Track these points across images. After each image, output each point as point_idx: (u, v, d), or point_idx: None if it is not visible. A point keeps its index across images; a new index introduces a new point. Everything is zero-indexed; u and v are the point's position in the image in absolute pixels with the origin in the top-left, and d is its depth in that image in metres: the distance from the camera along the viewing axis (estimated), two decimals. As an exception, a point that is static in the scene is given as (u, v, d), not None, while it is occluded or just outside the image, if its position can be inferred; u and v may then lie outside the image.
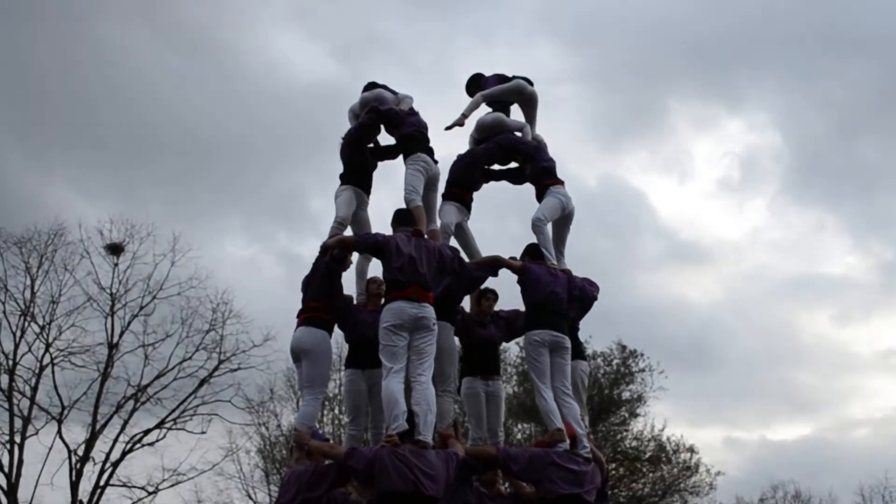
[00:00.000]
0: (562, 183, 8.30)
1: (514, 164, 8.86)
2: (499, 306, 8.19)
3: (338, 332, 7.60)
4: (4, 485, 20.90)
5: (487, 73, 9.12)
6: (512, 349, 23.41)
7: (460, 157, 8.66)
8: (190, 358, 23.39)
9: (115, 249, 23.85)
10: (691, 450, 25.88)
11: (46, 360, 22.43)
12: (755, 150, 58.73)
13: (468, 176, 8.59)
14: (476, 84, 9.01)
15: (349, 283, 7.87)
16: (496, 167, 8.93)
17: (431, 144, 8.17)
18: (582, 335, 8.30)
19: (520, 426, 23.37)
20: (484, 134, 8.70)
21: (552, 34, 62.09)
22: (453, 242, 8.24)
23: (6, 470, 21.06)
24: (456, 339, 8.10)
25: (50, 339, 22.66)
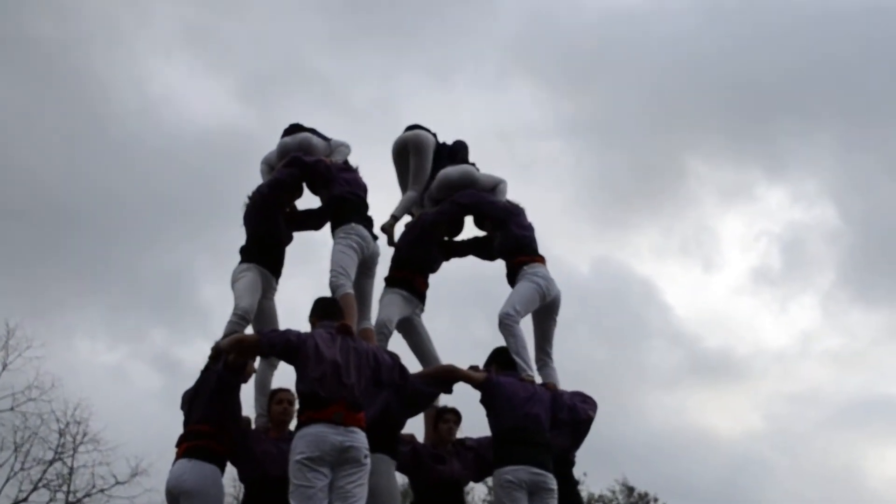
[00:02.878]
0: (541, 261, 8.19)
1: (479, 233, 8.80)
2: (466, 431, 7.94)
3: (232, 469, 7.25)
4: None
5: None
6: (477, 490, 22.97)
7: (409, 227, 8.63)
8: (25, 500, 22.68)
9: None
10: None
11: None
12: (803, 229, 58.72)
13: (420, 252, 8.48)
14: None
15: (246, 400, 7.54)
16: (460, 238, 8.86)
17: (371, 213, 8.11)
18: (576, 471, 8.18)
19: None
20: (444, 194, 8.62)
21: (533, 73, 62.36)
22: (398, 345, 8.08)
23: None
24: (403, 477, 7.92)
25: None
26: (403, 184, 8.91)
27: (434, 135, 8.97)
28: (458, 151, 8.95)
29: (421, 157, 8.77)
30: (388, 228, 8.47)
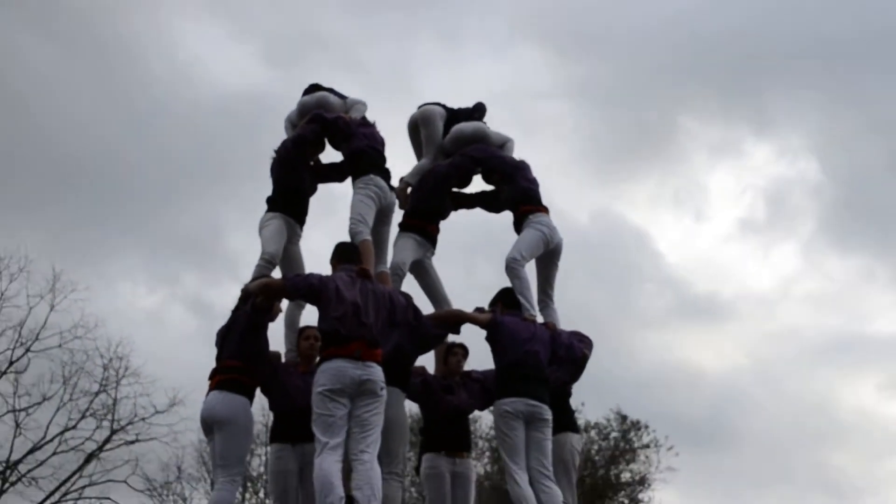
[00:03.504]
0: (545, 211, 8.37)
1: (487, 187, 8.92)
2: (473, 364, 8.19)
3: (261, 399, 7.61)
4: None
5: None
6: (484, 419, 23.42)
7: (423, 178, 8.66)
8: (74, 427, 23.27)
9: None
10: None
11: None
12: (786, 183, 59.39)
13: (432, 201, 8.60)
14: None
15: (276, 336, 7.83)
16: (468, 190, 8.96)
17: (388, 165, 8.17)
18: (574, 402, 8.41)
19: (493, 515, 23.29)
20: (456, 147, 8.71)
21: (536, 38, 62.56)
22: (412, 285, 8.26)
23: None
24: (415, 406, 8.18)
25: None
26: (419, 155, 8.94)
27: (443, 105, 8.96)
28: (477, 111, 9.00)
29: (429, 128, 8.79)
30: (400, 193, 8.46)
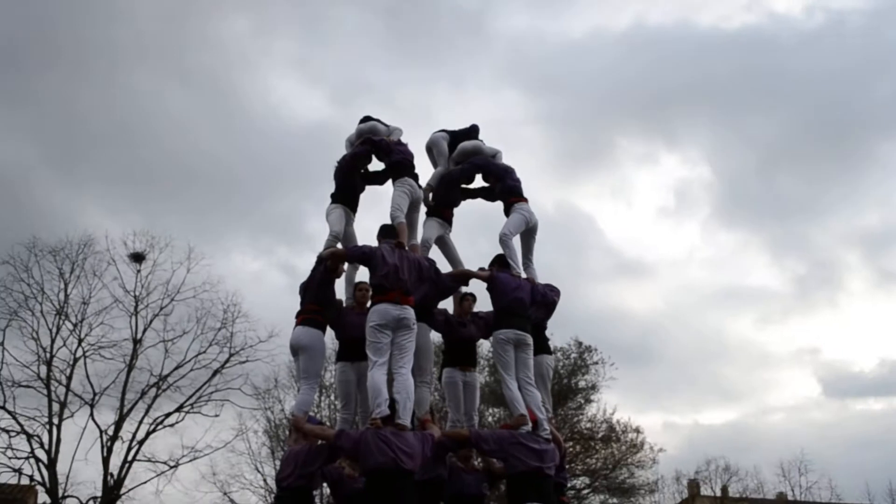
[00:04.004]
0: (526, 200, 8.23)
1: (485, 185, 8.73)
2: (478, 308, 8.13)
3: (330, 331, 7.53)
4: (45, 460, 20.72)
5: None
6: (485, 344, 23.39)
7: (441, 179, 8.55)
8: (204, 352, 23.19)
9: (137, 258, 23.66)
10: (637, 430, 26.06)
11: (79, 353, 22.23)
12: (688, 182, 59.90)
13: (449, 195, 8.49)
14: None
15: (340, 289, 7.82)
16: (472, 186, 8.81)
17: (416, 171, 8.12)
18: (547, 333, 8.24)
19: (490, 411, 23.32)
20: (463, 158, 8.61)
21: (516, 83, 63.30)
22: (436, 253, 8.17)
23: (46, 447, 20.87)
24: (438, 335, 8.09)
25: (82, 336, 22.45)
26: (434, 165, 8.77)
27: (446, 130, 8.84)
28: (472, 131, 8.87)
29: (437, 148, 8.71)
30: (425, 195, 8.28)
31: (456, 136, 8.85)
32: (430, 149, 8.86)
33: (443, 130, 8.92)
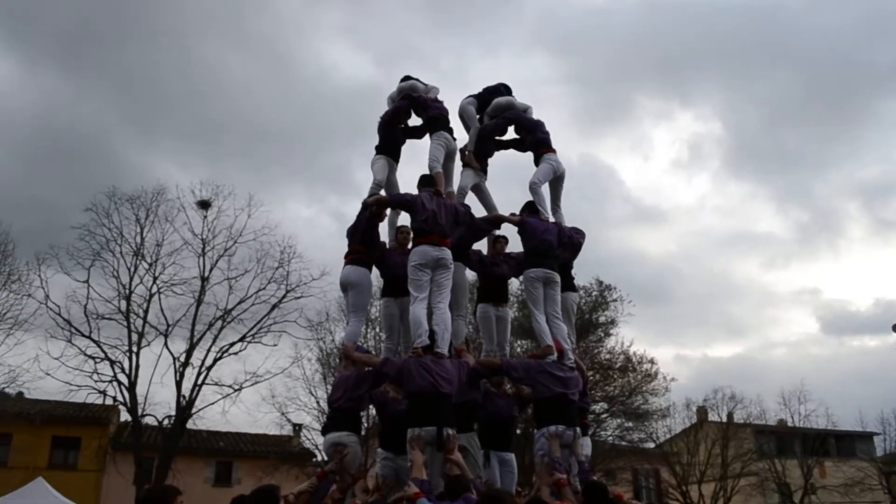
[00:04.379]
0: (554, 151, 8.08)
1: (517, 137, 8.58)
2: (509, 249, 8.07)
3: (376, 270, 7.56)
4: (126, 383, 21.45)
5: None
6: (515, 282, 23.36)
7: (479, 132, 8.44)
8: (264, 289, 23.34)
9: (204, 205, 23.83)
10: (651, 361, 25.99)
11: (154, 289, 22.65)
12: (701, 136, 58.67)
13: (483, 145, 8.38)
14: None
15: (384, 232, 7.82)
16: (505, 138, 8.68)
17: (451, 125, 8.01)
18: (573, 272, 8.18)
19: (520, 343, 23.39)
20: (497, 113, 8.50)
21: (544, 46, 62.08)
22: (473, 199, 8.11)
23: (127, 372, 21.56)
24: (473, 273, 8.07)
25: (156, 274, 22.83)
26: (467, 129, 8.64)
27: (472, 95, 8.72)
28: (499, 89, 8.75)
29: (467, 114, 8.61)
30: (461, 156, 8.20)
31: (483, 98, 8.73)
32: (462, 115, 8.71)
33: (470, 96, 8.78)
